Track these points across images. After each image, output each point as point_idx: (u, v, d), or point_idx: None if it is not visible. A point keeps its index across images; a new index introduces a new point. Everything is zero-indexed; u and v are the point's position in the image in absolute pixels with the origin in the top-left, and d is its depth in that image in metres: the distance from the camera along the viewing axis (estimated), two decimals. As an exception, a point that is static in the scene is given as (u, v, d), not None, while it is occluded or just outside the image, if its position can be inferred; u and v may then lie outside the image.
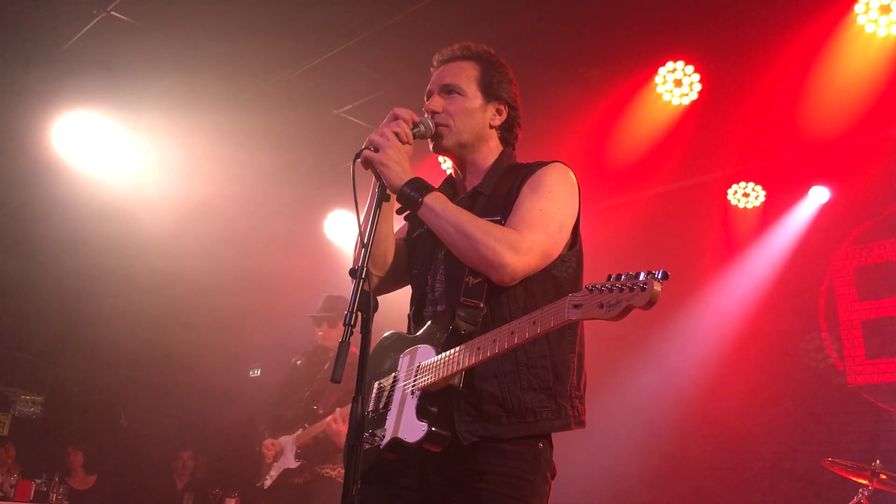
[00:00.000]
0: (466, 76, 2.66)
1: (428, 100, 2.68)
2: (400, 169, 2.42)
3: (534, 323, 2.06)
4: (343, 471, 5.27)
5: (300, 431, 5.72)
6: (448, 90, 2.65)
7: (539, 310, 2.06)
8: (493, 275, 2.33)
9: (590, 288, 1.91)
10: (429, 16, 5.62)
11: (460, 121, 2.62)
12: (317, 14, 5.77)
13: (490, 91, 2.67)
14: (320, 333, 6.10)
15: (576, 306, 1.94)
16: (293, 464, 5.65)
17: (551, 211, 2.42)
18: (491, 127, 2.69)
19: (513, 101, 2.73)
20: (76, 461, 8.75)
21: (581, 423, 2.45)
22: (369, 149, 2.44)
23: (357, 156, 2.44)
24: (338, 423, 5.48)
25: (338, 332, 5.93)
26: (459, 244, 2.35)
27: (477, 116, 2.65)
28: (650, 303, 1.79)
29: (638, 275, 1.83)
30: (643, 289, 1.80)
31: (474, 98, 2.65)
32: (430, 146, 2.66)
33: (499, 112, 2.70)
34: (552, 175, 2.52)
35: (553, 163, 2.57)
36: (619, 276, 1.86)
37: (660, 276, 1.80)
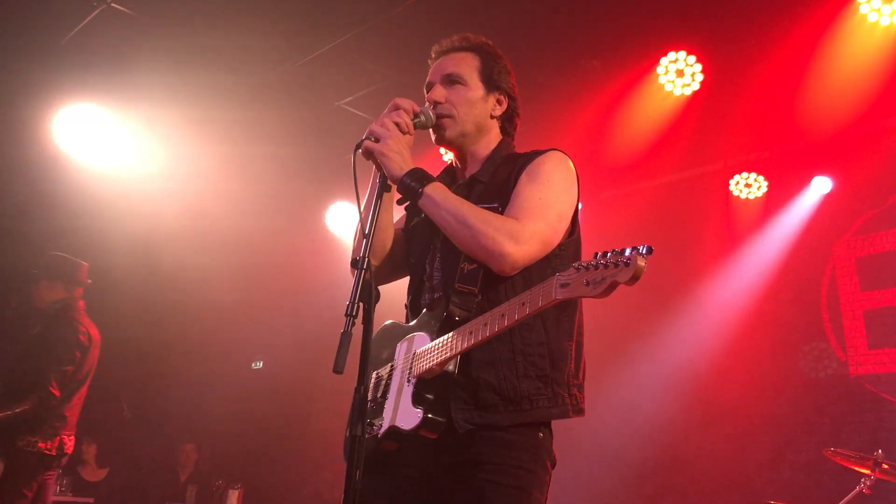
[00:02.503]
0: (468, 66, 2.67)
1: (429, 91, 2.68)
2: (400, 159, 2.42)
3: (523, 304, 2.06)
4: (32, 440, 5.34)
5: None
6: (451, 80, 2.65)
7: (528, 290, 2.07)
8: (494, 264, 2.32)
9: (577, 266, 1.91)
10: (429, 7, 5.62)
11: (463, 111, 2.63)
12: (317, 5, 5.77)
13: (491, 81, 2.68)
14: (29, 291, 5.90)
15: (563, 285, 1.93)
16: None
17: (550, 199, 2.42)
18: (492, 117, 2.70)
19: (512, 91, 2.75)
20: (90, 452, 8.82)
21: (579, 412, 2.45)
22: (370, 139, 2.43)
23: (358, 146, 2.43)
24: None
25: (42, 291, 5.83)
26: (460, 234, 2.35)
27: (479, 106, 2.66)
28: (634, 278, 1.79)
29: (623, 251, 1.82)
30: (627, 264, 1.79)
31: (476, 88, 2.66)
32: (433, 137, 2.66)
33: (499, 102, 2.71)
34: (550, 163, 2.52)
35: (551, 151, 2.58)
36: (605, 254, 1.86)
37: (644, 251, 1.80)
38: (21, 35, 6.06)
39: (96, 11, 5.80)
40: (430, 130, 2.64)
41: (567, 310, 2.45)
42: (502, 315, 2.12)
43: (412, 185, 2.39)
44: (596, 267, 1.85)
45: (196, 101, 6.82)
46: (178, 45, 6.19)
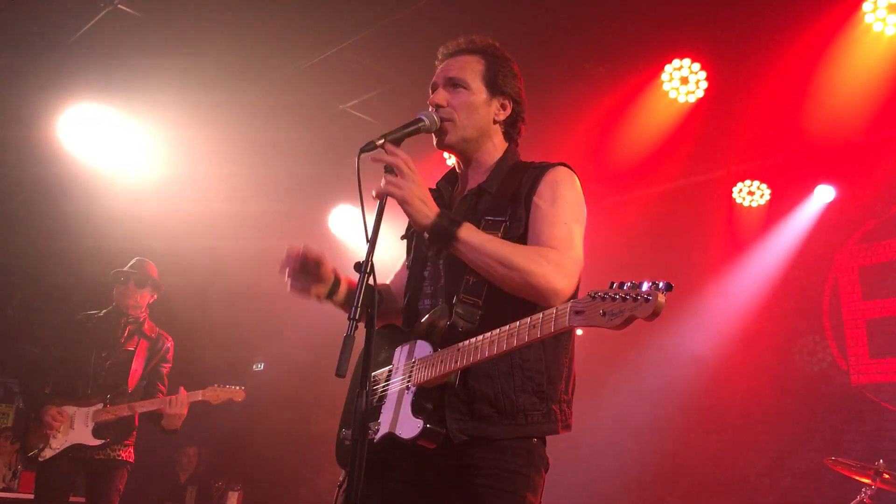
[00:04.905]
0: (472, 70, 2.63)
1: (433, 93, 2.65)
2: (425, 207, 2.30)
3: (534, 327, 2.04)
4: (121, 451, 5.30)
5: (99, 406, 5.33)
6: (453, 84, 2.62)
7: (540, 314, 2.04)
8: (545, 302, 2.24)
9: (592, 295, 1.88)
10: (435, 11, 5.62)
11: (464, 115, 2.59)
12: (323, 9, 5.77)
13: (495, 86, 2.64)
14: (122, 290, 5.70)
15: (577, 313, 1.91)
16: (90, 440, 5.26)
17: (576, 226, 2.43)
18: (495, 122, 2.66)
19: (518, 95, 2.69)
20: None
21: (567, 427, 2.45)
22: (389, 185, 2.29)
23: (362, 150, 2.37)
24: (175, 406, 5.33)
25: (140, 295, 5.72)
26: (507, 277, 2.27)
27: (482, 111, 2.62)
28: (654, 314, 1.77)
29: (641, 284, 1.80)
30: (647, 300, 1.77)
31: (479, 92, 2.61)
32: (434, 142, 2.62)
33: (503, 107, 2.66)
34: (568, 184, 2.50)
35: (561, 167, 2.55)
36: (622, 285, 1.83)
37: (663, 287, 1.77)
38: (27, 35, 6.08)
39: (102, 13, 5.81)
40: (433, 134, 2.59)
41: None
42: (511, 335, 2.09)
43: (443, 233, 2.28)
44: (613, 299, 1.82)
45: (201, 103, 6.83)
46: (183, 47, 6.20)
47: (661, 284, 1.78)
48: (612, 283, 1.85)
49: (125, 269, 5.78)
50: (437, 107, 2.59)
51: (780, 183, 7.36)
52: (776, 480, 6.82)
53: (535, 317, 2.05)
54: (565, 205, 2.44)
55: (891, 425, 6.36)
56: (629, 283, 1.83)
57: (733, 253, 7.58)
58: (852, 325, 6.83)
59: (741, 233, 7.57)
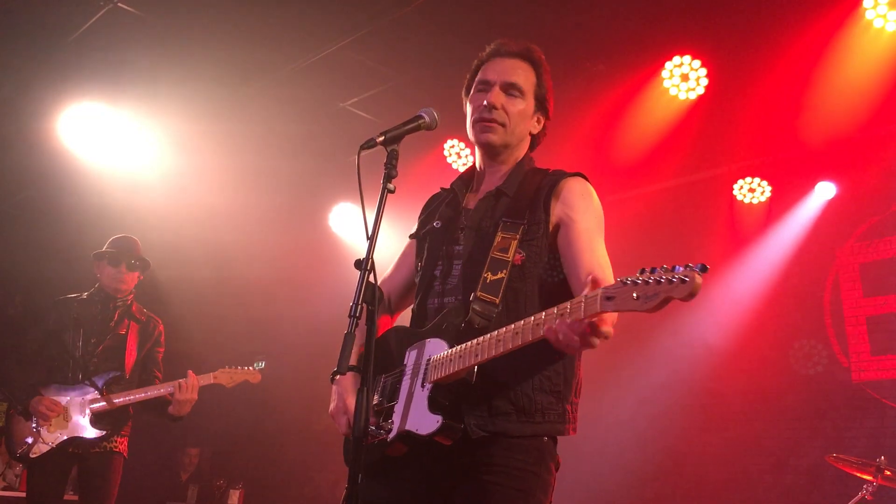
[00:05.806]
0: (528, 81, 2.72)
1: (487, 88, 2.69)
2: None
3: (561, 315, 2.01)
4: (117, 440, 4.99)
5: (95, 395, 4.93)
6: (511, 89, 2.68)
7: (567, 302, 2.01)
8: None
9: (623, 281, 1.87)
10: (435, 9, 5.60)
11: (515, 122, 2.67)
12: (323, 7, 5.77)
13: (540, 101, 2.75)
14: (112, 273, 5.25)
15: (608, 298, 1.89)
16: (89, 432, 4.88)
17: (601, 239, 2.58)
18: (530, 134, 2.77)
19: (549, 114, 2.81)
20: None
21: (575, 431, 2.49)
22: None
23: (362, 147, 2.41)
24: (185, 391, 5.00)
25: (131, 277, 5.29)
26: None
27: (526, 122, 2.73)
28: (691, 294, 1.77)
29: (674, 267, 1.80)
30: (684, 281, 1.77)
31: (529, 105, 2.71)
32: (476, 137, 2.69)
33: (538, 121, 2.78)
34: (592, 197, 2.62)
35: (580, 177, 2.65)
36: (653, 269, 1.83)
37: (699, 269, 1.77)
38: (27, 33, 6.07)
39: (103, 11, 5.81)
40: (475, 130, 2.68)
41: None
42: (537, 325, 2.08)
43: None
44: (647, 282, 1.82)
45: (201, 101, 6.83)
46: (183, 44, 6.20)
47: (696, 266, 1.78)
48: (643, 269, 1.85)
49: (108, 248, 5.33)
50: (492, 107, 2.64)
51: (780, 180, 7.36)
52: (778, 478, 6.82)
53: (562, 305, 2.02)
54: (592, 220, 2.57)
55: (892, 422, 6.36)
56: (661, 267, 1.83)
57: (734, 250, 7.57)
58: (853, 322, 6.82)
59: (742, 230, 7.56)
